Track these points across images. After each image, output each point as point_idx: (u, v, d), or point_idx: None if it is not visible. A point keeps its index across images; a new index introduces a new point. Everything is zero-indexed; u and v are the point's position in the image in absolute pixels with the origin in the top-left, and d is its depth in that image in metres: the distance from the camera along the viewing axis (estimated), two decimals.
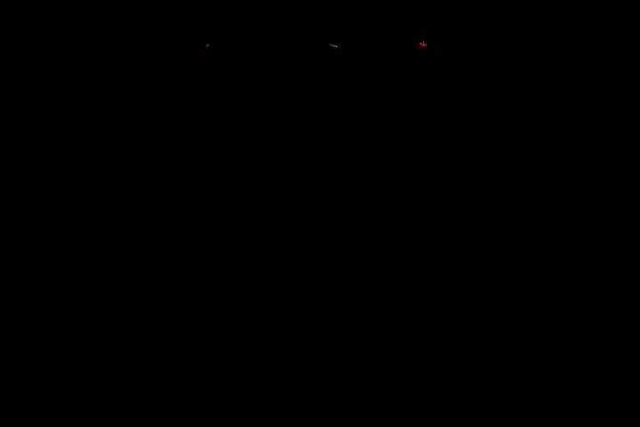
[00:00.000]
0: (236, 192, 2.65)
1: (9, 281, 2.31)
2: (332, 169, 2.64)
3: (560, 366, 1.89)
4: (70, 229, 2.54)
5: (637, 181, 2.50)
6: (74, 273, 2.38)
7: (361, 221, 2.57)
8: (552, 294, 2.25)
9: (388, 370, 1.89)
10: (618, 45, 2.50)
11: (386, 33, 2.46)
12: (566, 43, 2.52)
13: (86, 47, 2.68)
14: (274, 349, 2.00)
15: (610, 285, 2.26)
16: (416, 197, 2.58)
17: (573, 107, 2.57)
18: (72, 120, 2.68)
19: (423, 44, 2.36)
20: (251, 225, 2.57)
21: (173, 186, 2.65)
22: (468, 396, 1.79)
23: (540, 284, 2.29)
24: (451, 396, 1.79)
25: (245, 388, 1.82)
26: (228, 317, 2.17)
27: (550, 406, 1.74)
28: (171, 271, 2.40)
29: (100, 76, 2.71)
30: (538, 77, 2.58)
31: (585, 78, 2.55)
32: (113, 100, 2.71)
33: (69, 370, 1.89)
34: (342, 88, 2.56)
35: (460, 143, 2.57)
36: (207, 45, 2.63)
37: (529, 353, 1.95)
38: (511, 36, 2.49)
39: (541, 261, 2.39)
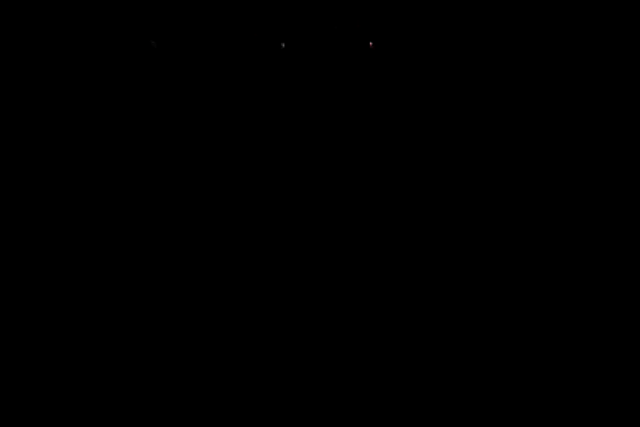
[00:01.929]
0: (236, 192, 2.65)
1: (9, 281, 2.32)
2: (325, 168, 2.65)
3: (560, 365, 1.90)
4: (70, 229, 2.55)
5: (637, 180, 2.50)
6: (74, 273, 2.38)
7: (359, 221, 2.57)
8: (552, 293, 2.25)
9: (387, 370, 1.90)
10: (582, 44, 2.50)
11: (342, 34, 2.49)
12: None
13: (87, 48, 2.69)
14: (273, 348, 2.00)
15: (610, 284, 2.27)
16: (408, 196, 2.59)
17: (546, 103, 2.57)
18: (72, 121, 2.69)
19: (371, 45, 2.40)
20: (250, 225, 2.57)
21: (173, 186, 2.66)
22: (467, 396, 1.79)
23: (540, 283, 2.30)
24: (451, 396, 1.79)
25: (245, 388, 1.83)
26: (228, 316, 2.18)
27: (550, 406, 1.74)
28: (170, 271, 2.40)
29: (100, 77, 2.71)
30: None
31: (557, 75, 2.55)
32: (113, 101, 2.72)
33: (69, 370, 1.89)
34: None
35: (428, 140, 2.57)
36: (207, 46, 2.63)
37: (529, 353, 1.96)
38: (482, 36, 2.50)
39: (541, 260, 2.40)
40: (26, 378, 1.86)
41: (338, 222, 2.58)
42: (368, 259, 2.44)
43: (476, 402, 1.76)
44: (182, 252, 2.49)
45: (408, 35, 2.44)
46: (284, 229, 2.56)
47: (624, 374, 1.85)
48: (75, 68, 2.65)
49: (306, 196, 2.62)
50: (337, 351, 1.99)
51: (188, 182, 2.68)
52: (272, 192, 2.64)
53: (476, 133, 2.60)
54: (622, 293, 2.22)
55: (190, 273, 2.40)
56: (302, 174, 2.66)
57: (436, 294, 2.27)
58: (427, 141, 2.60)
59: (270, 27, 2.43)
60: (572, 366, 1.90)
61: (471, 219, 2.53)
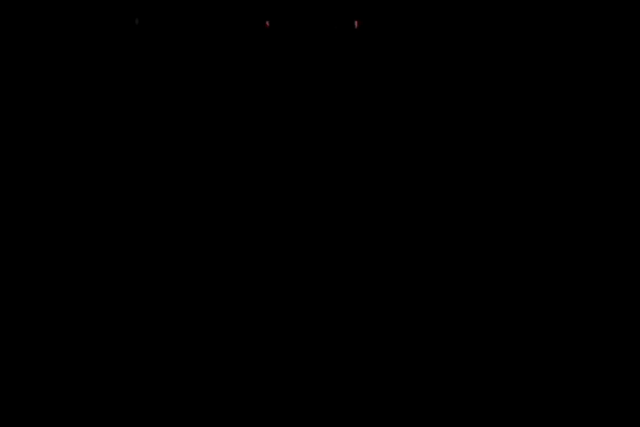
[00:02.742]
0: (236, 192, 2.65)
1: (9, 281, 2.31)
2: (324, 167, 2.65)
3: (560, 365, 1.90)
4: (70, 228, 2.54)
5: (637, 181, 2.50)
6: (74, 273, 2.38)
7: (358, 221, 2.57)
8: (552, 293, 2.25)
9: (387, 370, 1.90)
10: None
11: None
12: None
13: (86, 48, 2.69)
14: (273, 348, 2.00)
15: (610, 285, 2.27)
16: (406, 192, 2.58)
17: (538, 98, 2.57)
18: (72, 121, 2.68)
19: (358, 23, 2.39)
20: (250, 225, 2.57)
21: (173, 186, 2.65)
22: (467, 396, 1.79)
23: (540, 284, 2.29)
24: (451, 396, 1.79)
25: (245, 388, 1.83)
26: (228, 317, 2.17)
27: (550, 407, 1.74)
28: (170, 271, 2.40)
29: (100, 77, 2.71)
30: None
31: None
32: (113, 101, 2.71)
33: (69, 370, 1.89)
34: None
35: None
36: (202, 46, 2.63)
37: (529, 353, 1.96)
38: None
39: (541, 260, 2.39)
40: (26, 378, 1.85)
41: (336, 221, 2.57)
42: (367, 258, 2.44)
43: (476, 402, 1.76)
44: (181, 251, 2.48)
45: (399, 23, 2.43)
46: (282, 228, 2.56)
47: (624, 374, 1.85)
48: (66, 62, 2.65)
49: (301, 193, 2.61)
50: (336, 351, 1.99)
51: (179, 180, 2.67)
52: (266, 190, 2.64)
53: (473, 128, 2.59)
54: (622, 292, 2.22)
55: (189, 273, 2.39)
56: (296, 170, 2.65)
57: (435, 293, 2.27)
58: (420, 136, 2.60)
59: (260, 15, 2.42)
60: (572, 366, 1.90)
61: (470, 218, 2.53)
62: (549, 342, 2.01)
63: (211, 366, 1.93)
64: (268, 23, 2.29)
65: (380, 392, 1.81)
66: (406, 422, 1.70)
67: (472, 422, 1.70)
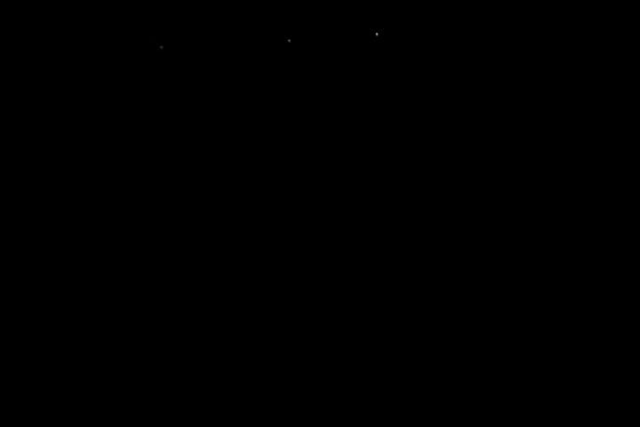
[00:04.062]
0: (236, 192, 2.65)
1: (9, 281, 2.32)
2: (327, 166, 2.65)
3: (560, 365, 1.90)
4: (70, 229, 2.54)
5: (637, 181, 2.50)
6: (74, 272, 2.38)
7: (359, 221, 2.57)
8: (552, 293, 2.25)
9: (387, 370, 1.90)
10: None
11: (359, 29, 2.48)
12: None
13: (87, 48, 2.69)
14: (273, 349, 2.00)
15: (610, 284, 2.26)
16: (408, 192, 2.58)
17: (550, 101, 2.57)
18: (73, 121, 2.69)
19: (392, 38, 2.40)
20: (250, 225, 2.57)
21: (173, 186, 2.66)
22: (468, 396, 1.79)
23: (540, 283, 2.29)
24: (451, 396, 1.79)
25: (245, 388, 1.83)
26: (228, 316, 2.17)
27: (550, 407, 1.74)
28: (171, 271, 2.40)
29: (100, 77, 2.71)
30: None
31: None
32: (113, 101, 2.72)
33: (69, 370, 1.89)
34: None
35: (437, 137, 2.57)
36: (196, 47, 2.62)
37: (529, 353, 1.96)
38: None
39: (541, 260, 2.39)
40: (26, 378, 1.86)
41: (337, 222, 2.57)
42: (368, 259, 2.44)
43: (476, 402, 1.76)
44: (182, 251, 2.48)
45: (411, 32, 2.43)
46: (283, 228, 2.56)
47: (624, 375, 1.85)
48: (81, 70, 2.65)
49: (308, 194, 2.62)
50: (337, 351, 1.99)
51: (191, 182, 2.67)
52: (273, 192, 2.64)
53: (479, 133, 2.60)
54: (622, 293, 2.22)
55: (190, 273, 2.40)
56: (305, 173, 2.66)
57: (435, 294, 2.27)
58: (428, 140, 2.60)
59: (276, 24, 2.42)
60: (572, 366, 1.90)
61: (471, 219, 2.53)
62: (549, 340, 2.01)
63: (210, 365, 1.93)
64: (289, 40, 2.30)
65: (380, 392, 1.81)
66: (406, 422, 1.70)
67: (472, 423, 1.70)
